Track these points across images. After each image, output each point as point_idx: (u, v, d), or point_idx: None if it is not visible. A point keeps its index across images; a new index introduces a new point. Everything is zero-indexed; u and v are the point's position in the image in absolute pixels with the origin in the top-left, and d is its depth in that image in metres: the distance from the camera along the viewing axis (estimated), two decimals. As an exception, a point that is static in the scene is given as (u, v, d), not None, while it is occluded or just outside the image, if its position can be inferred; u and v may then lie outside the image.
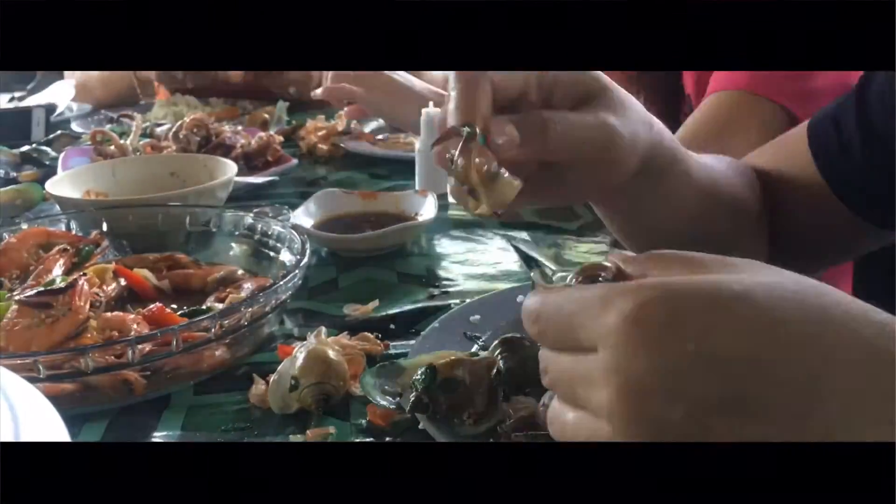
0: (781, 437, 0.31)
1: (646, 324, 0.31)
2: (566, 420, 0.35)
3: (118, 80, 1.95)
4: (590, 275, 0.39)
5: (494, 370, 0.57)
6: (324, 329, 0.70)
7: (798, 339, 0.31)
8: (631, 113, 0.55)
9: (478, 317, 0.73)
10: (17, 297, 0.71)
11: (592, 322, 0.33)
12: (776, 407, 0.31)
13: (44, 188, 1.07)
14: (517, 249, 0.97)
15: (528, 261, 0.94)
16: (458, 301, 0.83)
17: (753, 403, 0.31)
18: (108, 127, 1.54)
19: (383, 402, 0.59)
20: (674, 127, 1.14)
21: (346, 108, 1.57)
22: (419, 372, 0.58)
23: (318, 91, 1.43)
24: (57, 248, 0.86)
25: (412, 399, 0.56)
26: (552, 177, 0.55)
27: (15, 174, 1.36)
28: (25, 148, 1.47)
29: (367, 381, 0.61)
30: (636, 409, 0.31)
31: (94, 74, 1.94)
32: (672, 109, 1.21)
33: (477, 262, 0.95)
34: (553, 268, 0.89)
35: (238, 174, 1.13)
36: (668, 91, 1.20)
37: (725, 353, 0.31)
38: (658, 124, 0.59)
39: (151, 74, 1.94)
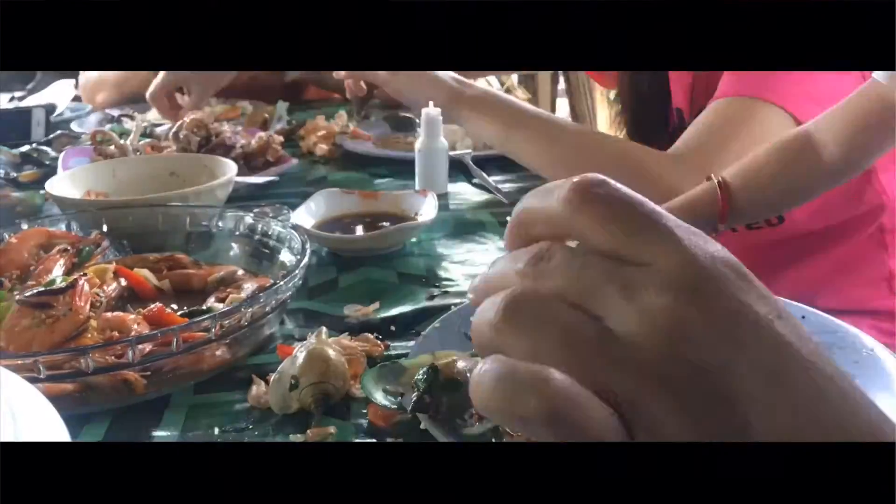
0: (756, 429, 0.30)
1: (725, 267, 0.30)
2: (553, 308, 0.30)
3: (131, 80, 1.95)
4: None
5: None
6: (324, 329, 0.70)
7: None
8: None
9: None
10: (17, 298, 0.71)
11: (659, 239, 0.30)
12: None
13: (44, 190, 1.07)
14: None
15: None
16: (458, 301, 0.83)
17: (790, 398, 0.30)
18: (108, 127, 1.54)
19: (384, 402, 0.59)
20: (662, 138, 1.14)
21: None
22: (421, 372, 0.58)
23: (342, 72, 1.40)
24: (57, 249, 0.86)
25: (414, 399, 0.56)
26: None
27: (15, 174, 1.36)
28: (25, 148, 1.47)
29: (368, 382, 0.61)
30: (686, 325, 0.29)
31: (107, 75, 1.94)
32: (660, 122, 1.21)
33: (477, 262, 0.95)
34: None
35: (238, 174, 1.13)
36: (656, 102, 1.20)
37: (784, 340, 0.30)
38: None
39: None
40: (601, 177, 0.32)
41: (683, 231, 0.31)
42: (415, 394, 0.56)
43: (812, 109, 0.90)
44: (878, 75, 0.72)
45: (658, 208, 0.32)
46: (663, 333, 0.29)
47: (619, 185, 0.32)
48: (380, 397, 0.60)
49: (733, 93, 0.98)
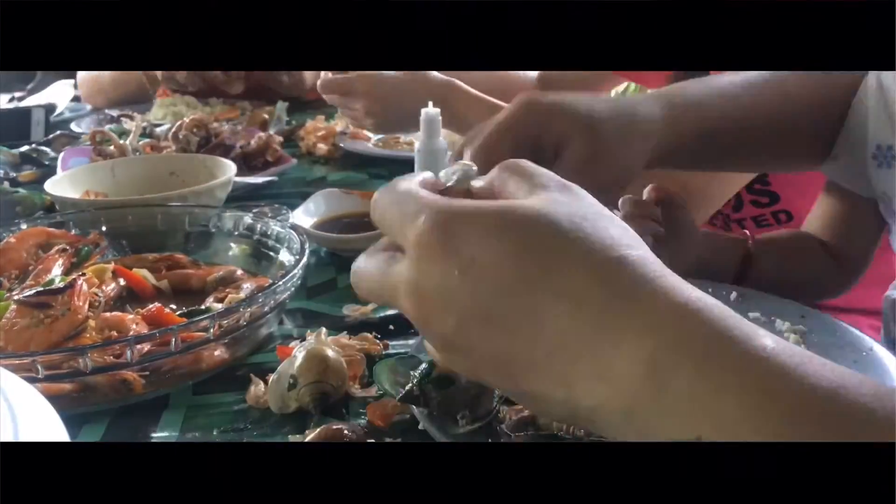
0: (520, 354, 0.35)
1: (429, 242, 0.36)
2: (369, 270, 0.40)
3: (129, 80, 1.95)
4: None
5: None
6: (324, 329, 0.70)
7: (535, 268, 0.35)
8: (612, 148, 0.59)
9: None
10: (15, 297, 0.71)
11: (405, 229, 0.37)
12: (516, 325, 0.35)
13: (44, 191, 1.07)
14: None
15: None
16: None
17: (503, 321, 0.35)
18: (107, 127, 1.54)
19: (388, 390, 0.60)
20: None
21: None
22: (421, 366, 0.58)
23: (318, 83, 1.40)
24: (56, 248, 0.86)
25: (405, 389, 0.57)
26: None
27: (14, 174, 1.36)
28: (25, 148, 1.47)
29: (381, 370, 0.62)
30: (423, 317, 0.37)
31: (105, 74, 1.94)
32: None
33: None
34: None
35: (238, 174, 1.13)
36: None
37: (485, 276, 0.35)
38: (669, 114, 0.62)
39: (159, 73, 1.93)
40: (394, 181, 0.40)
41: (404, 216, 0.37)
42: (409, 385, 0.57)
43: None
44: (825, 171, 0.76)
45: (411, 191, 0.38)
46: (419, 323, 0.38)
47: (399, 181, 0.40)
48: (387, 385, 0.60)
49: None
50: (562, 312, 0.34)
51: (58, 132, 1.60)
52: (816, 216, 0.86)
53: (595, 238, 0.35)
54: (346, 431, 0.56)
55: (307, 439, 0.57)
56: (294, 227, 0.87)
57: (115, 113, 1.74)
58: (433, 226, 0.36)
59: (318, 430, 0.57)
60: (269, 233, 0.89)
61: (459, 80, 1.23)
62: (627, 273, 0.34)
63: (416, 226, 0.36)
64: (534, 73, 1.55)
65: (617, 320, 0.34)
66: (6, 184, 1.24)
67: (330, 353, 0.64)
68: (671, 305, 0.34)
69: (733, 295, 0.74)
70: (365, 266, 0.41)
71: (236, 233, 0.92)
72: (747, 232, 0.87)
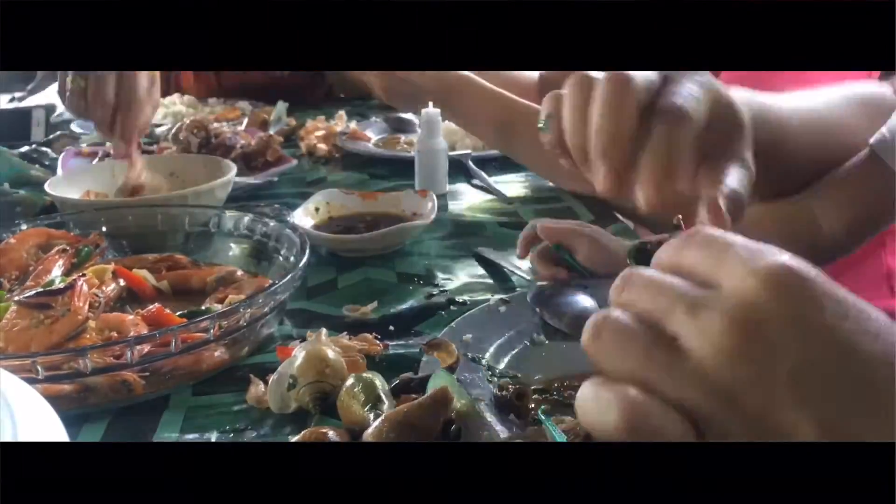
0: (852, 419, 0.32)
1: (797, 278, 0.32)
2: (630, 330, 0.34)
3: None
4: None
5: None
6: (325, 330, 0.70)
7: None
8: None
9: (470, 335, 0.71)
10: (16, 298, 0.71)
11: (728, 263, 0.33)
12: (864, 392, 0.32)
13: (44, 192, 1.07)
14: (479, 257, 0.95)
15: (489, 266, 0.92)
16: (457, 300, 0.83)
17: (846, 390, 0.32)
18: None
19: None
20: None
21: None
22: None
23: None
24: (56, 249, 0.86)
25: None
26: None
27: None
28: (25, 148, 1.47)
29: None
30: (745, 344, 0.32)
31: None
32: None
33: (476, 262, 0.95)
34: (526, 276, 0.87)
35: (238, 174, 1.13)
36: None
37: (848, 342, 0.32)
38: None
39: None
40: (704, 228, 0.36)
41: (751, 252, 0.34)
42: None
43: None
44: (877, 147, 0.73)
45: (730, 235, 0.35)
46: (724, 352, 0.32)
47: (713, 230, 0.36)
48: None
49: None
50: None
51: (58, 132, 1.59)
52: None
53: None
54: (329, 434, 0.56)
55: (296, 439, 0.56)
56: (294, 227, 0.87)
57: None
58: (811, 271, 0.33)
59: (304, 433, 0.56)
60: (269, 233, 0.89)
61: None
62: None
63: (784, 261, 0.33)
64: (534, 74, 1.55)
65: None
66: (6, 185, 1.23)
67: (330, 353, 0.64)
68: None
69: None
70: (658, 275, 0.35)
71: (236, 233, 0.92)
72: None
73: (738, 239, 0.35)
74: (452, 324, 0.74)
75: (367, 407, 0.59)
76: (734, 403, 0.32)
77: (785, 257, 0.33)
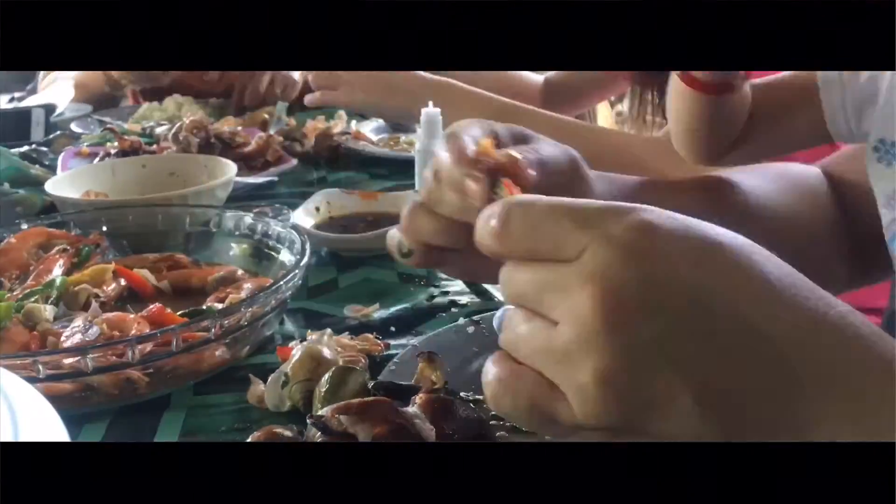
0: (730, 382, 0.31)
1: (639, 240, 0.32)
2: (519, 330, 0.34)
3: (93, 81, 1.93)
4: None
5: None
6: (329, 330, 0.71)
7: (781, 310, 0.32)
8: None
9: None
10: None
11: (576, 233, 0.33)
12: (739, 349, 0.31)
13: (44, 191, 1.07)
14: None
15: (471, 284, 0.87)
16: (457, 301, 0.83)
17: (719, 339, 0.31)
18: (97, 132, 1.53)
19: None
20: None
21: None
22: None
23: (307, 98, 1.38)
24: (56, 249, 0.86)
25: None
26: None
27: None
28: (25, 148, 1.47)
29: None
30: (611, 317, 0.31)
31: (73, 75, 1.92)
32: None
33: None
34: (500, 297, 0.82)
35: (238, 174, 1.13)
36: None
37: (709, 286, 0.31)
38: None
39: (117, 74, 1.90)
40: (518, 197, 0.36)
41: (587, 216, 0.33)
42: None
43: None
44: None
45: (574, 202, 0.34)
46: (590, 326, 0.31)
47: (533, 197, 0.35)
48: None
49: None
50: (808, 345, 0.31)
51: (58, 132, 1.59)
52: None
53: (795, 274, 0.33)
54: (285, 433, 0.56)
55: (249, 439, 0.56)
56: (295, 227, 0.87)
57: (107, 120, 1.72)
58: (663, 224, 0.32)
59: (259, 432, 0.56)
60: (269, 233, 0.89)
61: (458, 81, 1.22)
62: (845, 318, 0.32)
63: (629, 220, 0.32)
64: (539, 77, 1.54)
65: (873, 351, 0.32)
66: (6, 184, 1.23)
67: (325, 352, 0.65)
68: None
69: None
70: (521, 266, 0.35)
71: (237, 233, 0.92)
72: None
73: (568, 204, 0.34)
74: (415, 341, 0.71)
75: (327, 401, 0.59)
76: (610, 378, 0.31)
77: (625, 219, 0.32)
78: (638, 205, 0.33)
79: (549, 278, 0.33)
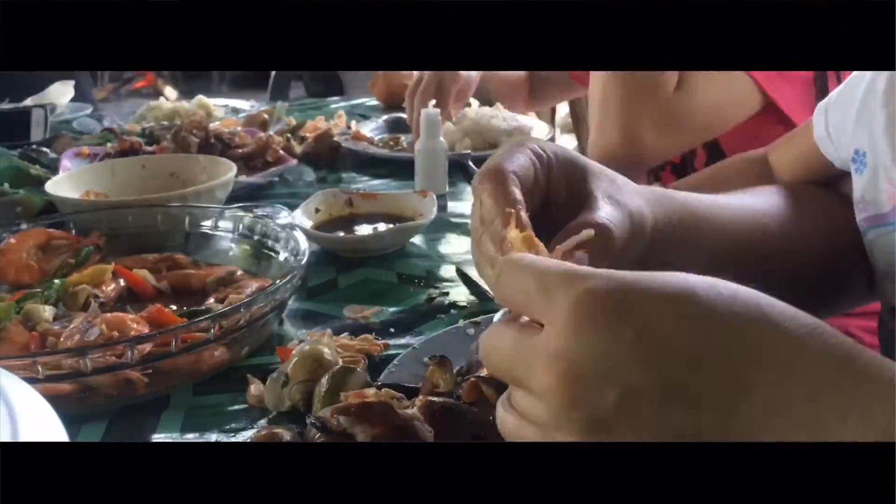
0: (709, 429, 0.32)
1: (592, 309, 0.33)
2: (509, 405, 0.37)
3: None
4: None
5: None
6: (329, 331, 0.70)
7: (732, 337, 0.32)
8: (625, 195, 0.52)
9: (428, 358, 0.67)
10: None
11: (544, 301, 0.34)
12: (708, 398, 0.32)
13: (44, 192, 1.07)
14: (460, 273, 0.90)
15: (470, 285, 0.87)
16: (457, 302, 0.83)
17: (686, 393, 0.32)
18: (97, 131, 1.53)
19: None
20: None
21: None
22: None
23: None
24: (56, 249, 0.86)
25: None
26: None
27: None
28: (25, 148, 1.47)
29: None
30: (572, 391, 0.33)
31: None
32: None
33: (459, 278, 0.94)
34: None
35: (238, 174, 1.13)
36: None
37: (665, 345, 0.32)
38: (660, 197, 0.56)
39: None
40: (515, 256, 0.38)
41: (547, 289, 0.34)
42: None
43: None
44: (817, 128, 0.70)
45: (548, 267, 0.36)
46: (554, 404, 0.34)
47: (525, 257, 0.37)
48: None
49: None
50: (770, 382, 0.32)
51: (58, 132, 1.59)
52: None
53: (778, 305, 0.34)
54: (285, 433, 0.56)
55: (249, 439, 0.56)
56: (294, 228, 0.87)
57: (106, 122, 1.72)
58: (605, 293, 0.33)
59: (259, 432, 0.56)
60: (269, 233, 0.89)
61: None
62: (830, 342, 0.33)
63: (575, 293, 0.33)
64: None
65: (837, 392, 0.31)
66: (6, 185, 1.23)
67: (325, 352, 0.65)
68: (887, 373, 0.32)
69: None
70: (497, 335, 0.37)
71: (236, 233, 0.92)
72: None
73: (537, 266, 0.36)
74: (416, 343, 0.71)
75: (327, 401, 0.59)
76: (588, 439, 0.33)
77: (574, 287, 0.33)
78: (592, 270, 0.34)
79: (519, 353, 0.35)
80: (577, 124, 2.12)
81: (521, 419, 0.36)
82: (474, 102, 1.52)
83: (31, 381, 0.47)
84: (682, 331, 0.32)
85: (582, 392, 0.33)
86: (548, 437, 0.35)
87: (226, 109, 1.79)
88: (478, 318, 0.75)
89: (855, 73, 0.65)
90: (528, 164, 0.49)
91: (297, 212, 1.01)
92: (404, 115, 1.56)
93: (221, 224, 0.93)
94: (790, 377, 0.32)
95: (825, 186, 0.72)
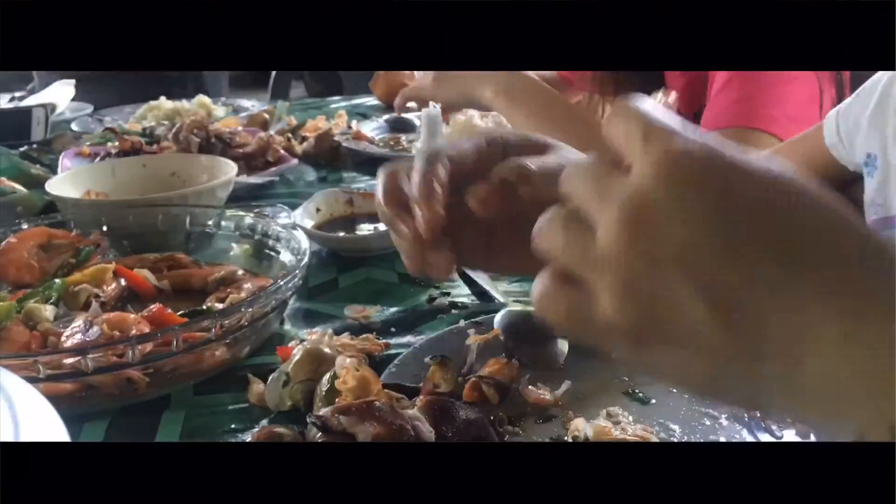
0: (754, 303, 0.32)
1: (683, 164, 0.33)
2: (558, 239, 0.36)
3: None
4: None
5: None
6: (331, 330, 0.70)
7: (805, 223, 0.33)
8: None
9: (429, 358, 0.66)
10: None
11: (642, 146, 0.34)
12: (764, 270, 0.32)
13: (44, 191, 1.07)
14: (463, 275, 0.87)
15: (472, 285, 0.85)
16: (457, 302, 0.83)
17: (744, 260, 0.32)
18: (97, 130, 1.53)
19: None
20: None
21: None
22: None
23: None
24: (57, 249, 0.86)
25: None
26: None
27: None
28: (25, 148, 1.47)
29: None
30: (638, 225, 0.33)
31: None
32: None
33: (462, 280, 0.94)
34: (500, 298, 0.81)
35: (238, 174, 1.13)
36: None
37: (740, 215, 0.33)
38: None
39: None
40: (631, 102, 0.37)
41: (648, 134, 0.34)
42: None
43: (791, 128, 0.95)
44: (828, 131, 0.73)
45: (650, 113, 0.35)
46: (615, 239, 0.34)
47: (641, 105, 0.36)
48: None
49: (726, 124, 1.00)
50: (822, 279, 0.32)
51: (58, 132, 1.59)
52: None
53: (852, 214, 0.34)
54: (285, 433, 0.56)
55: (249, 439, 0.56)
56: (295, 227, 0.87)
57: (107, 122, 1.72)
58: (701, 154, 0.33)
59: (259, 432, 0.56)
60: (269, 233, 0.89)
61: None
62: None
63: (674, 148, 0.33)
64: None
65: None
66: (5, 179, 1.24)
67: (326, 352, 0.65)
68: None
69: None
70: (586, 164, 0.37)
71: (237, 233, 0.92)
72: None
73: (648, 116, 0.35)
74: (417, 344, 0.71)
75: (327, 401, 0.59)
76: (632, 287, 0.33)
77: (673, 143, 0.34)
78: (696, 138, 0.34)
79: (602, 183, 0.35)
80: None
81: (560, 277, 0.36)
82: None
83: (32, 380, 0.47)
84: (760, 210, 0.33)
85: (647, 230, 0.33)
86: (591, 277, 0.35)
87: (226, 109, 1.80)
88: (478, 319, 0.75)
89: (867, 83, 0.66)
90: (469, 148, 0.53)
91: (298, 211, 1.01)
92: (405, 115, 1.56)
93: (222, 224, 0.93)
94: (848, 275, 0.32)
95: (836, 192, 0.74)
